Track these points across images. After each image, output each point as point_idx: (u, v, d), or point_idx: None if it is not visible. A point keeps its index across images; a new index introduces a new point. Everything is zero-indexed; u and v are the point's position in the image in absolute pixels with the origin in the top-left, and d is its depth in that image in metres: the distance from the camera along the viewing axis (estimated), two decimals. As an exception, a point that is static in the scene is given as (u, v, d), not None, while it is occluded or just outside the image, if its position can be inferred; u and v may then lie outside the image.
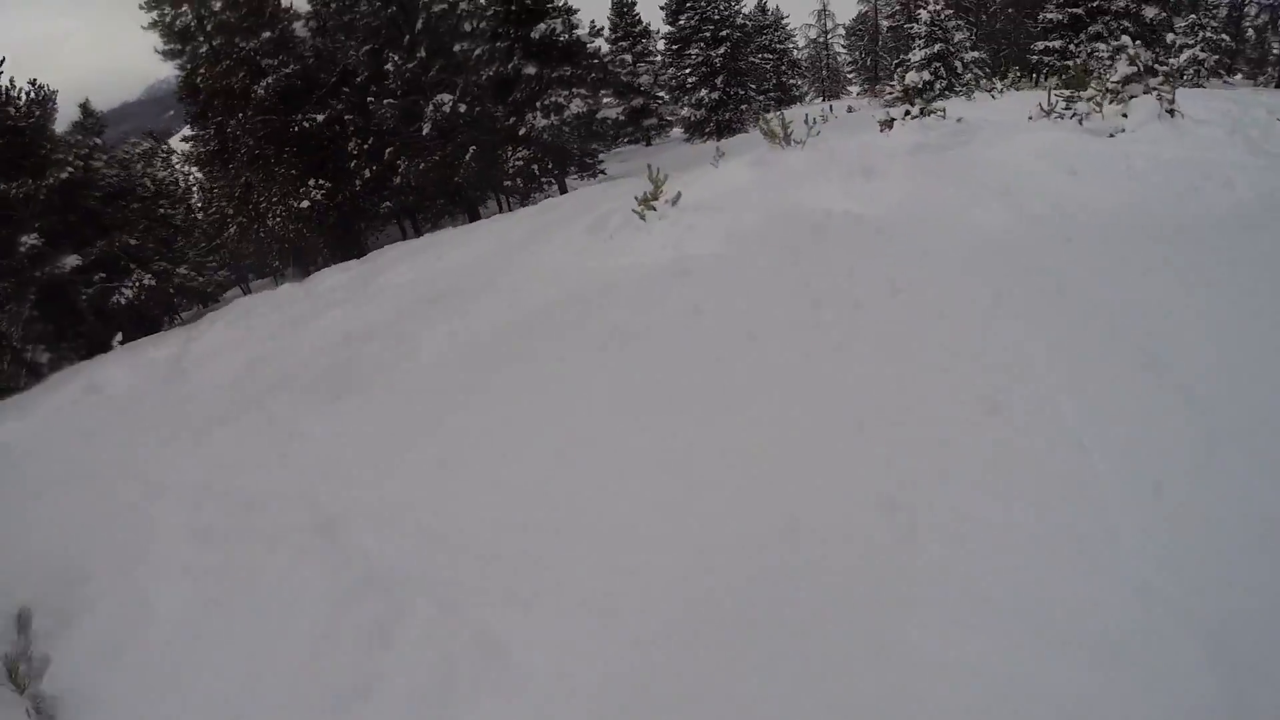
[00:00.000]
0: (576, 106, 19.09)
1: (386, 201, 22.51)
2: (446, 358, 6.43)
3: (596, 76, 19.92)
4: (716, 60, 33.63)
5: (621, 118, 20.04)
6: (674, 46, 35.40)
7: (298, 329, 10.87)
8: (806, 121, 13.44)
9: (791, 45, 51.85)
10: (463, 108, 20.15)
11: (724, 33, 33.44)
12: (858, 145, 12.49)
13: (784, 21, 49.32)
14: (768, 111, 39.34)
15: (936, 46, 30.96)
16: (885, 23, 52.47)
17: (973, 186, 7.20)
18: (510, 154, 20.48)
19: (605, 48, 29.36)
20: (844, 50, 59.91)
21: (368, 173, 22.33)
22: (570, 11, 19.73)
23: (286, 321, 11.87)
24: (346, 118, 22.41)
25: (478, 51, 19.47)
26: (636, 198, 7.76)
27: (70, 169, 22.45)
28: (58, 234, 22.34)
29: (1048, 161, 8.34)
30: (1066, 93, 12.36)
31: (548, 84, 19.59)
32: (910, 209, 6.55)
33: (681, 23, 34.39)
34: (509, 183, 20.79)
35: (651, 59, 38.35)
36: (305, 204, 22.00)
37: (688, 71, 34.33)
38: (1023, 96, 21.25)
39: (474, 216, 23.62)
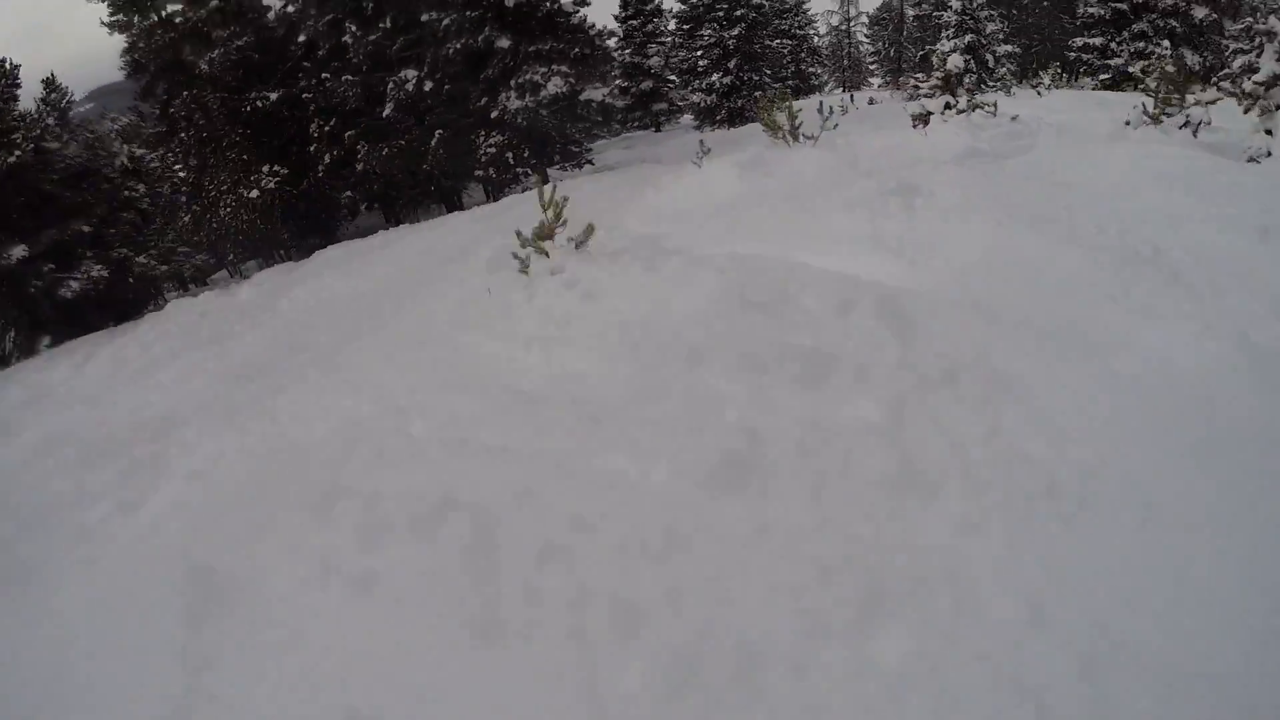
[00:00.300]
0: (555, 86, 15.69)
1: (348, 190, 19.23)
2: (111, 563, 3.34)
3: (582, 52, 16.48)
4: (730, 42, 30.00)
5: (611, 100, 16.61)
6: (685, 26, 31.75)
7: (116, 392, 7.94)
8: (821, 111, 10.04)
9: (812, 31, 47.90)
10: (429, 85, 16.81)
11: (739, 12, 29.77)
12: (887, 146, 9.07)
13: (805, 6, 45.31)
14: (782, 99, 35.25)
15: (967, 38, 27.32)
16: (911, 11, 48.44)
17: (1103, 243, 3.88)
18: (483, 139, 17.14)
19: (607, 24, 25.97)
20: (866, 40, 55.79)
21: (328, 158, 19.07)
22: (552, -24, 16.29)
23: (129, 373, 8.85)
24: (305, 96, 19.12)
25: (446, 21, 16.08)
26: (519, 234, 4.51)
27: (19, 152, 19.57)
28: (9, 221, 19.69)
29: (1193, 199, 4.97)
30: (1160, 93, 8.90)
31: (523, 60, 16.20)
32: (1001, 295, 3.23)
33: (694, 0, 30.74)
34: (480, 172, 17.44)
35: (662, 40, 34.63)
36: (255, 193, 18.81)
37: (699, 54, 30.75)
38: (1069, 95, 17.50)
39: (451, 206, 20.43)
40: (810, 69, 45.32)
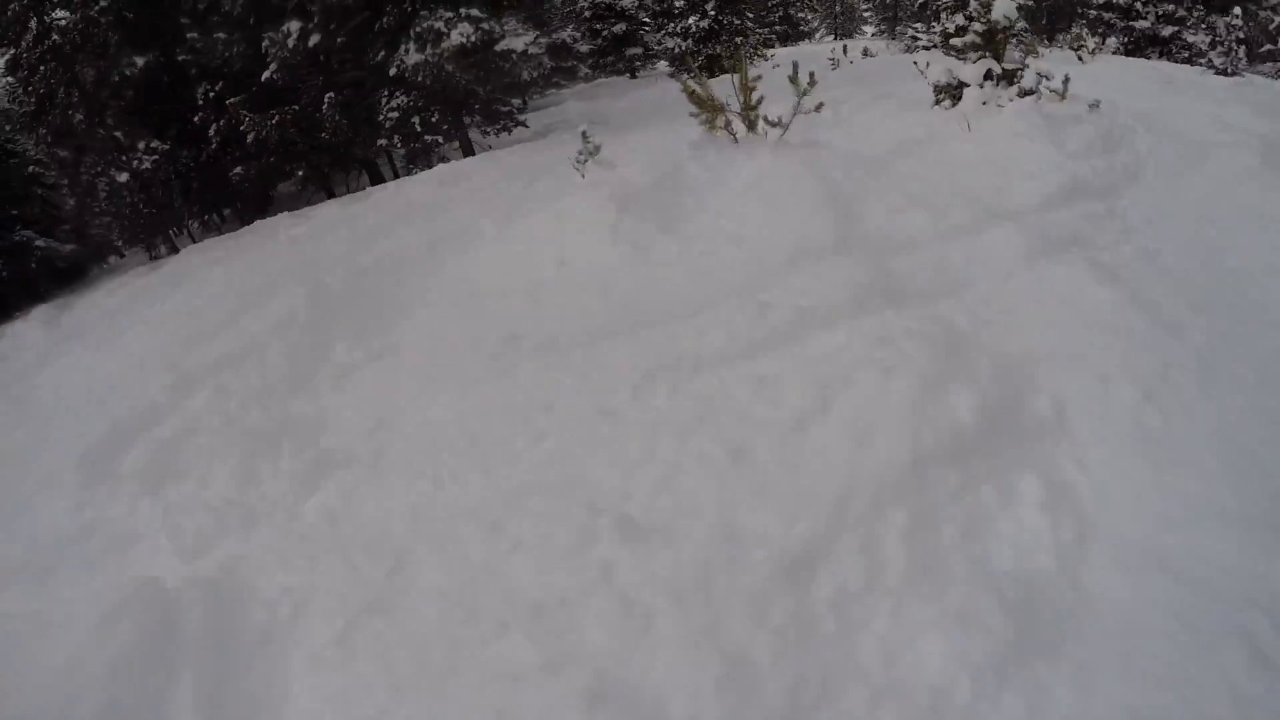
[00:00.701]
0: (461, 35, 11.34)
1: (238, 167, 15.02)
2: None
3: (500, -8, 12.12)
4: (708, -18, 25.03)
5: (537, 50, 12.27)
6: (659, -37, 26.64)
7: None
8: (795, 79, 5.83)
9: (803, -26, 42.10)
10: (316, 39, 12.45)
11: (719, -53, 24.71)
12: (905, 146, 4.98)
13: (796, -55, 39.55)
14: (768, 46, 30.31)
15: (974, -15, 22.36)
16: (910, -45, 42.65)
17: None
18: (385, 101, 12.91)
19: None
20: (860, -15, 49.71)
21: (213, 130, 14.82)
22: (460, -112, 11.74)
23: None
24: (181, 59, 14.71)
25: None
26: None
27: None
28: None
29: None
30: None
31: (425, 2, 11.82)
32: None
33: (670, -67, 25.60)
34: (383, 141, 13.23)
35: (636, -23, 29.65)
36: (124, 176, 14.63)
37: (675, -6, 25.79)
38: (1118, 66, 12.62)
39: (373, 174, 16.23)
40: (800, 14, 39.88)
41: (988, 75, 6.62)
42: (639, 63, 32.04)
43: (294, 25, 12.76)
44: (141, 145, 15.14)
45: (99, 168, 15.38)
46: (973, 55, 6.76)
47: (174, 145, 15.46)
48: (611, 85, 29.52)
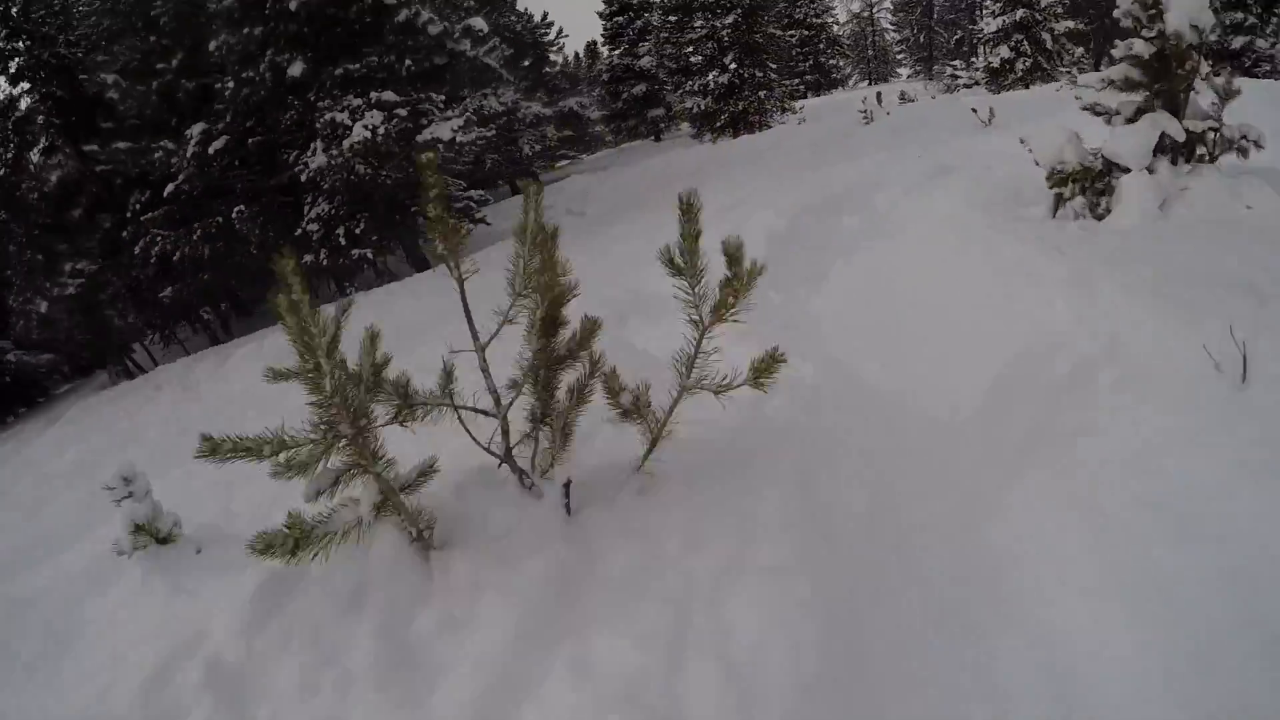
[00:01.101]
0: (367, 126, 8.35)
1: (167, 288, 12.38)
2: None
3: (428, 64, 9.10)
4: (724, 33, 21.94)
5: (464, 136, 9.07)
6: (670, 18, 23.65)
7: None
8: (686, 267, 1.97)
9: (830, 19, 38.87)
10: (220, 144, 9.72)
11: (731, -3, 21.59)
12: None
13: (822, -10, 36.46)
14: (796, 98, 26.55)
15: (1019, 13, 18.84)
16: (942, -10, 39.19)
17: None
18: (308, 210, 10.05)
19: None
20: (892, 27, 46.18)
21: (139, 247, 12.24)
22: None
23: None
24: (99, 169, 12.22)
25: (223, 46, 8.94)
26: None
27: None
28: None
29: None
30: None
31: (330, 89, 8.91)
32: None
33: (681, -15, 22.64)
34: (309, 258, 10.29)
35: (648, 36, 26.96)
36: (44, 306, 12.16)
37: (690, 49, 22.74)
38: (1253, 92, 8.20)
39: (342, 286, 13.35)
40: (831, 61, 36.55)
41: (1162, 146, 3.10)
42: (662, 124, 29.25)
43: (197, 129, 10.07)
44: (67, 268, 12.69)
45: (21, 298, 13.02)
46: (1125, 102, 3.24)
47: (104, 265, 12.93)
48: (631, 151, 26.76)
